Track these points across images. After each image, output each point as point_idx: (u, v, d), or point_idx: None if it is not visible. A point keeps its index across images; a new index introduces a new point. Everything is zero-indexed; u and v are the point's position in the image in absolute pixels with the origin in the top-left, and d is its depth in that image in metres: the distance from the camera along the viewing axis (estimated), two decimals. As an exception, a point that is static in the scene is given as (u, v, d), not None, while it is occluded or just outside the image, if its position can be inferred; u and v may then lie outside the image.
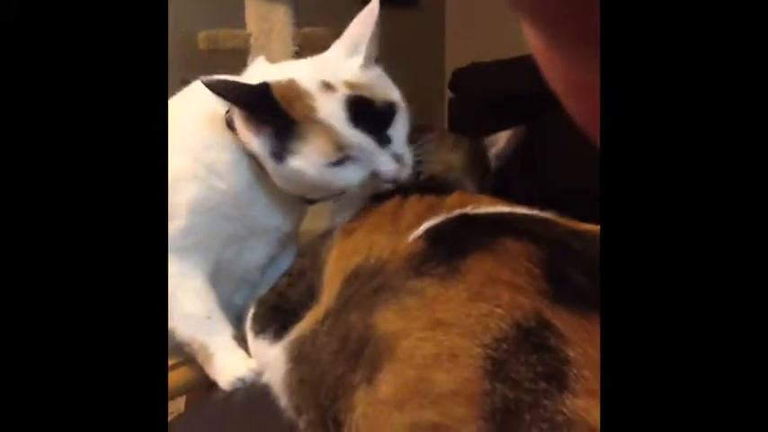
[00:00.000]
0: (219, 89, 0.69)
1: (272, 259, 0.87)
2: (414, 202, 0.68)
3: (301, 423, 0.58)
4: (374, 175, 0.71)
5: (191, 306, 0.76)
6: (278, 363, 0.62)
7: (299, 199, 0.82)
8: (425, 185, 0.74)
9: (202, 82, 0.69)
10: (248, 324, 0.74)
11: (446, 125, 2.76)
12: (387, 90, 0.74)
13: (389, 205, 0.70)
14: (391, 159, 0.71)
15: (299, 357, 0.60)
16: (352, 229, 0.70)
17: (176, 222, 0.74)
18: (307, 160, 0.69)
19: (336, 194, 0.77)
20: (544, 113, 2.46)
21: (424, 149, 0.77)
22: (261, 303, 0.74)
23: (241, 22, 1.71)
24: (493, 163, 0.85)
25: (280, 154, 0.70)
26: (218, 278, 0.80)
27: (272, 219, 0.81)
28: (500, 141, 0.86)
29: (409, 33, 3.30)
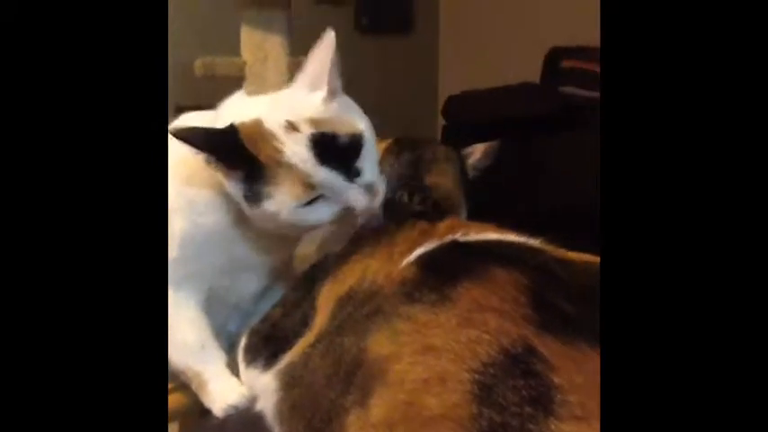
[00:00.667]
0: (185, 138, 0.67)
1: (267, 288, 0.87)
2: (407, 229, 0.69)
3: None
4: (346, 210, 0.70)
5: (185, 335, 0.76)
6: (269, 391, 0.62)
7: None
8: (420, 211, 0.75)
9: (170, 132, 0.67)
10: (240, 354, 0.74)
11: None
12: (351, 122, 0.72)
13: (384, 231, 0.71)
14: (362, 192, 0.70)
15: (290, 383, 0.60)
16: (347, 254, 0.71)
17: (171, 253, 0.75)
18: (278, 203, 0.68)
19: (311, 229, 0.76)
20: (537, 140, 2.49)
21: (423, 161, 0.80)
22: (253, 334, 0.74)
23: (237, 50, 1.74)
24: (470, 173, 0.87)
25: (252, 197, 0.69)
26: (211, 305, 0.80)
27: (260, 254, 0.81)
28: (476, 152, 0.89)
29: (403, 60, 3.34)
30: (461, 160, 0.88)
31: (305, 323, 0.66)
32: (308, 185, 0.68)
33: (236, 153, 0.68)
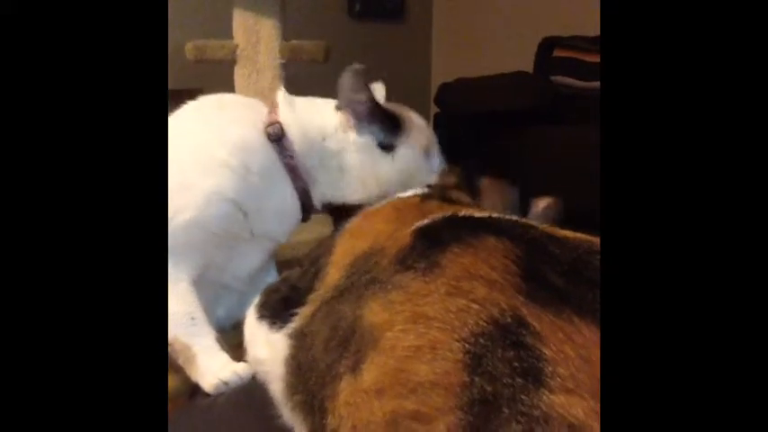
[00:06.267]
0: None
1: (261, 269, 0.89)
2: (426, 205, 0.71)
3: (289, 403, 0.59)
4: (434, 169, 0.94)
5: (174, 305, 0.76)
6: (280, 348, 0.63)
7: (298, 214, 0.91)
8: (448, 196, 0.77)
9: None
10: (254, 308, 0.72)
11: (431, 139, 2.78)
12: None
13: (407, 203, 0.73)
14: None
15: (300, 341, 0.60)
16: (369, 213, 0.73)
17: (185, 215, 0.78)
18: (413, 146, 0.92)
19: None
20: (529, 129, 2.49)
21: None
22: (271, 292, 0.73)
23: (229, 34, 1.72)
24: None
25: (388, 144, 0.91)
26: (202, 286, 0.81)
27: (275, 224, 0.88)
28: (538, 206, 0.86)
29: (396, 47, 3.33)
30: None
31: (317, 277, 0.66)
32: (428, 140, 0.95)
33: (376, 112, 0.90)
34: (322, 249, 0.72)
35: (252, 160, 0.84)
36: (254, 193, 0.84)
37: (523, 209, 0.85)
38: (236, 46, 1.71)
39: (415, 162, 0.92)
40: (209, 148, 0.83)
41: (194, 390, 0.76)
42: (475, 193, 0.84)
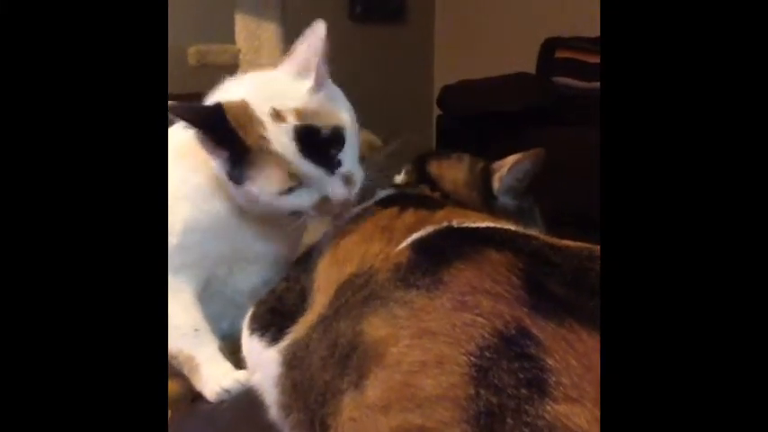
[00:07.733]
0: (177, 112, 0.70)
1: (266, 283, 0.86)
2: (407, 216, 0.70)
3: (288, 422, 0.59)
4: (325, 199, 0.73)
5: (178, 318, 0.76)
6: (272, 365, 0.63)
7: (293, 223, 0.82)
8: (422, 200, 0.76)
9: (169, 108, 0.70)
10: (246, 322, 0.73)
11: (434, 141, 2.79)
12: (335, 113, 0.74)
13: (385, 216, 0.72)
14: (340, 183, 0.73)
15: (292, 362, 0.61)
16: (346, 232, 0.71)
17: (170, 239, 0.76)
18: (260, 187, 0.71)
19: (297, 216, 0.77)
20: (531, 130, 2.49)
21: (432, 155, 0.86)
22: (260, 304, 0.74)
23: (231, 38, 1.73)
24: (496, 185, 0.83)
25: (236, 176, 0.72)
26: (206, 298, 0.81)
27: (263, 245, 0.82)
28: (504, 166, 0.84)
29: (398, 49, 3.33)
30: (487, 171, 0.84)
31: (303, 298, 0.67)
32: (291, 175, 0.71)
33: (224, 133, 0.71)
34: (303, 267, 0.72)
35: (202, 183, 0.78)
36: (221, 218, 0.78)
37: (485, 180, 0.83)
38: (239, 50, 1.71)
39: (269, 203, 0.72)
40: (171, 178, 0.74)
41: (196, 394, 0.77)
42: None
